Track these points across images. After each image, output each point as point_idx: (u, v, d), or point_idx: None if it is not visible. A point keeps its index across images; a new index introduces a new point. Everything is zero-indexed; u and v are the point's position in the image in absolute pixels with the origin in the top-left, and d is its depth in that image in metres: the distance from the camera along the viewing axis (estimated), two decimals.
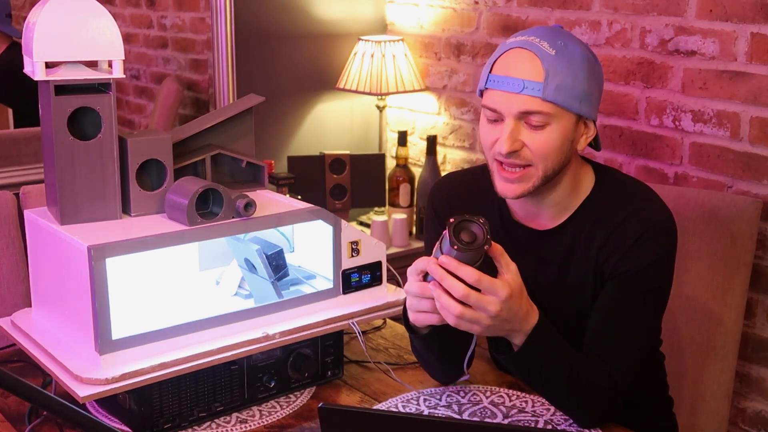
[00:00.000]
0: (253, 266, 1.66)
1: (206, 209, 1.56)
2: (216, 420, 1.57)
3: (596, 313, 1.54)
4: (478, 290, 1.34)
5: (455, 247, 1.32)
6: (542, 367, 1.46)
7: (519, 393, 1.64)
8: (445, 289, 1.35)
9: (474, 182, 1.69)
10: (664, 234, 1.53)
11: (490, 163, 1.55)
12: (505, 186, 1.53)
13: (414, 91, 3.11)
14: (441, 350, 1.57)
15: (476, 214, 1.34)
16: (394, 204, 3.12)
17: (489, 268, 1.37)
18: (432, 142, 3.01)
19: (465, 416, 1.56)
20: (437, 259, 1.35)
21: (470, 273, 1.33)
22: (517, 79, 1.47)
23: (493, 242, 1.35)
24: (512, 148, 1.49)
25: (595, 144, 1.61)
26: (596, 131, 1.56)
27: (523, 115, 1.48)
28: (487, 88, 1.52)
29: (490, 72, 1.52)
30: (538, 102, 1.47)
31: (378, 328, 1.94)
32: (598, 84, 1.54)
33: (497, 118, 1.51)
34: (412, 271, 1.41)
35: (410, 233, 3.09)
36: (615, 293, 1.53)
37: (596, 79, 1.52)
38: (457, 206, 1.69)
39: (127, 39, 4.51)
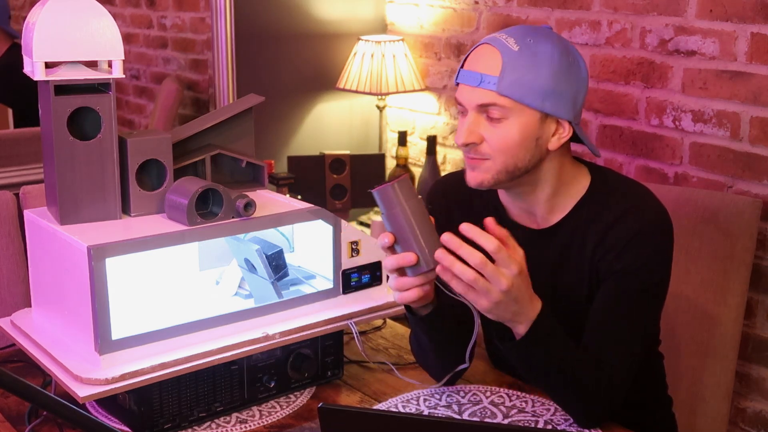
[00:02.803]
0: (253, 266, 1.66)
1: (206, 209, 1.56)
2: (216, 420, 1.57)
3: (593, 312, 1.54)
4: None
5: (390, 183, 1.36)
6: (545, 356, 1.45)
7: (519, 393, 1.64)
8: (457, 259, 1.35)
9: None
10: (660, 232, 1.54)
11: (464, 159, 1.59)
12: (468, 174, 1.56)
13: (414, 91, 3.11)
14: (441, 338, 1.55)
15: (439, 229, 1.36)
16: None
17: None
18: (432, 142, 3.01)
19: (465, 416, 1.56)
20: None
21: (491, 241, 1.35)
22: (477, 73, 1.51)
23: (499, 228, 1.37)
24: (467, 140, 1.52)
25: (589, 145, 1.60)
26: (572, 132, 1.54)
27: (482, 108, 1.51)
28: (457, 83, 1.56)
29: (460, 68, 1.56)
30: (494, 95, 1.49)
31: (378, 328, 1.94)
32: (574, 85, 1.52)
33: (464, 111, 1.55)
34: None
35: None
36: (611, 292, 1.53)
37: (570, 79, 1.51)
38: (455, 207, 1.70)
39: (127, 39, 4.51)
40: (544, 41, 1.51)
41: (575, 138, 1.60)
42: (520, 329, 1.42)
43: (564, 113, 1.52)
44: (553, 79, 1.49)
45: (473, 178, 1.56)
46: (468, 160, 1.56)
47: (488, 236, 1.36)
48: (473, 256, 1.35)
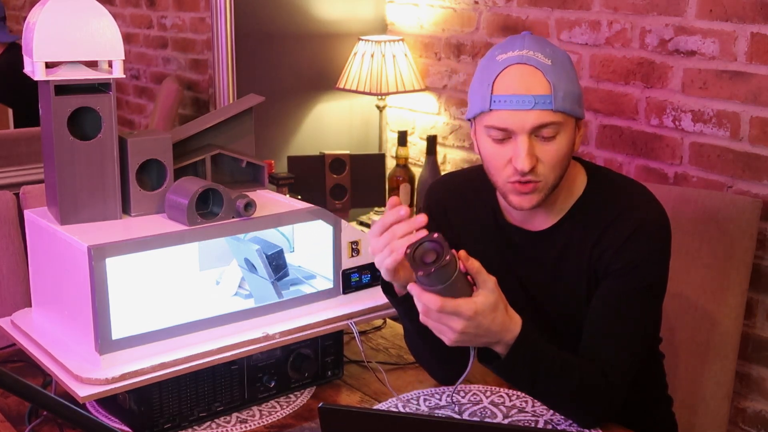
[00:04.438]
0: (253, 266, 1.66)
1: (206, 209, 1.56)
2: (216, 420, 1.57)
3: (591, 312, 1.54)
4: None
5: (419, 273, 1.30)
6: (529, 376, 1.45)
7: (519, 393, 1.64)
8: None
9: (469, 184, 1.69)
10: (657, 231, 1.54)
11: (502, 184, 1.53)
12: (521, 199, 1.51)
13: (414, 91, 3.11)
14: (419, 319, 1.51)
15: (434, 230, 1.32)
16: None
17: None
18: (432, 142, 3.01)
19: (465, 416, 1.56)
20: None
21: (432, 301, 1.32)
22: (529, 96, 1.46)
23: (470, 258, 1.34)
24: (532, 164, 1.48)
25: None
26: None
27: (536, 130, 1.48)
28: (492, 110, 1.49)
29: (492, 93, 1.49)
30: (550, 114, 1.47)
31: (378, 328, 1.94)
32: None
33: (505, 137, 1.49)
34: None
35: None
36: (609, 292, 1.53)
37: (577, 78, 1.55)
38: (452, 208, 1.70)
39: (127, 39, 4.51)
40: (552, 47, 1.52)
41: None
42: (499, 349, 1.42)
43: (584, 113, 1.55)
44: (577, 82, 1.52)
45: (529, 201, 1.51)
46: (519, 186, 1.50)
47: (428, 296, 1.32)
48: (419, 306, 1.34)
